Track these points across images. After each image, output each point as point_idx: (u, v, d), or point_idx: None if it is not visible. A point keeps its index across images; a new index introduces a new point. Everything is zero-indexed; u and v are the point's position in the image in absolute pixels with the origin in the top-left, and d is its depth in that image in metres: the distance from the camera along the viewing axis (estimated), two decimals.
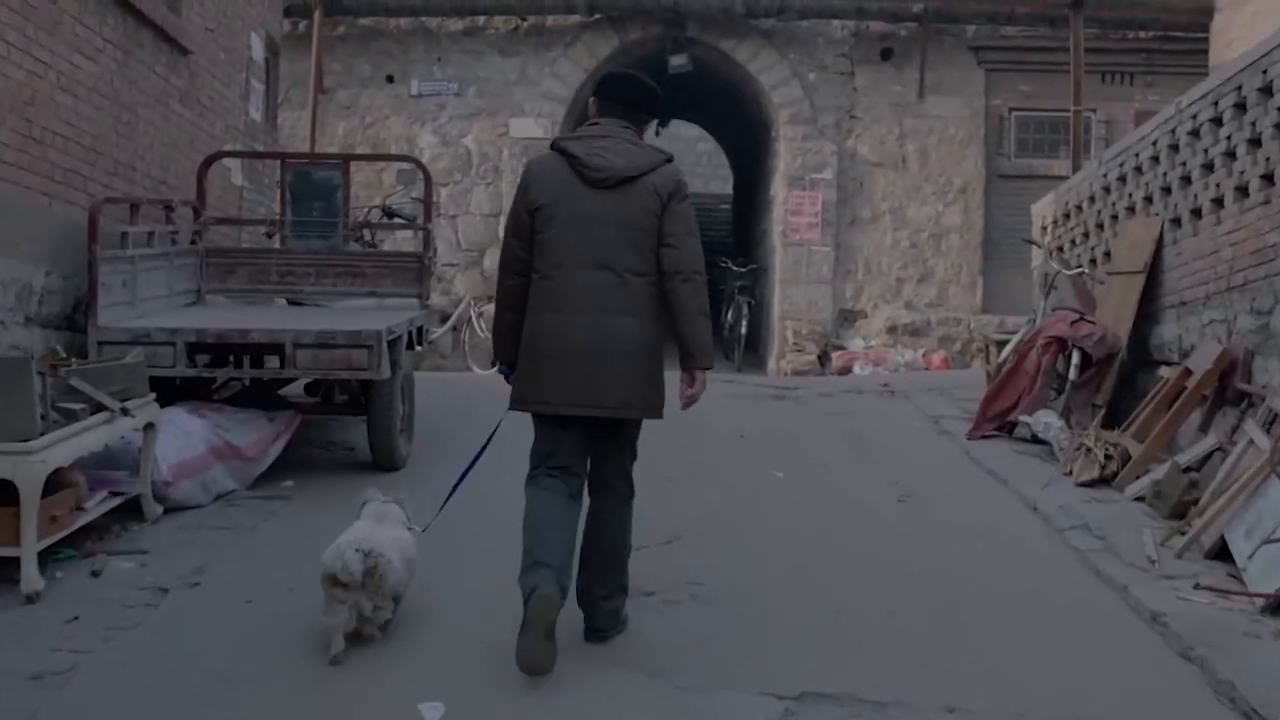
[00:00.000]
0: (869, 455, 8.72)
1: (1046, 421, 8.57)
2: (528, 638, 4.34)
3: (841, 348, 15.30)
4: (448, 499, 5.13)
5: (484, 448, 5.12)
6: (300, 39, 15.92)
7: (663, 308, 4.68)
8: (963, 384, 12.44)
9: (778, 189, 16.19)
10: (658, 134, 25.15)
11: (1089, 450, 7.84)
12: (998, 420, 9.19)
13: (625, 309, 4.62)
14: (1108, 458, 7.70)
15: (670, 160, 4.78)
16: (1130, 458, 7.63)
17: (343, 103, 16.29)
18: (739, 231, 25.40)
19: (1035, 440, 8.84)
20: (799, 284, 15.74)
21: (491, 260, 15.93)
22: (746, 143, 20.40)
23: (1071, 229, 10.83)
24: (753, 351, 17.32)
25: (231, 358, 7.27)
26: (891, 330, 15.51)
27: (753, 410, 10.67)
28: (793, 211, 15.75)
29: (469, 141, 16.15)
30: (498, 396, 4.98)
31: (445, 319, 15.80)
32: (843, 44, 15.93)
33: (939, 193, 15.83)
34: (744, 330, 16.70)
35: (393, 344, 7.14)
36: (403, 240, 13.29)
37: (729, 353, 17.80)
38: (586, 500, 4.81)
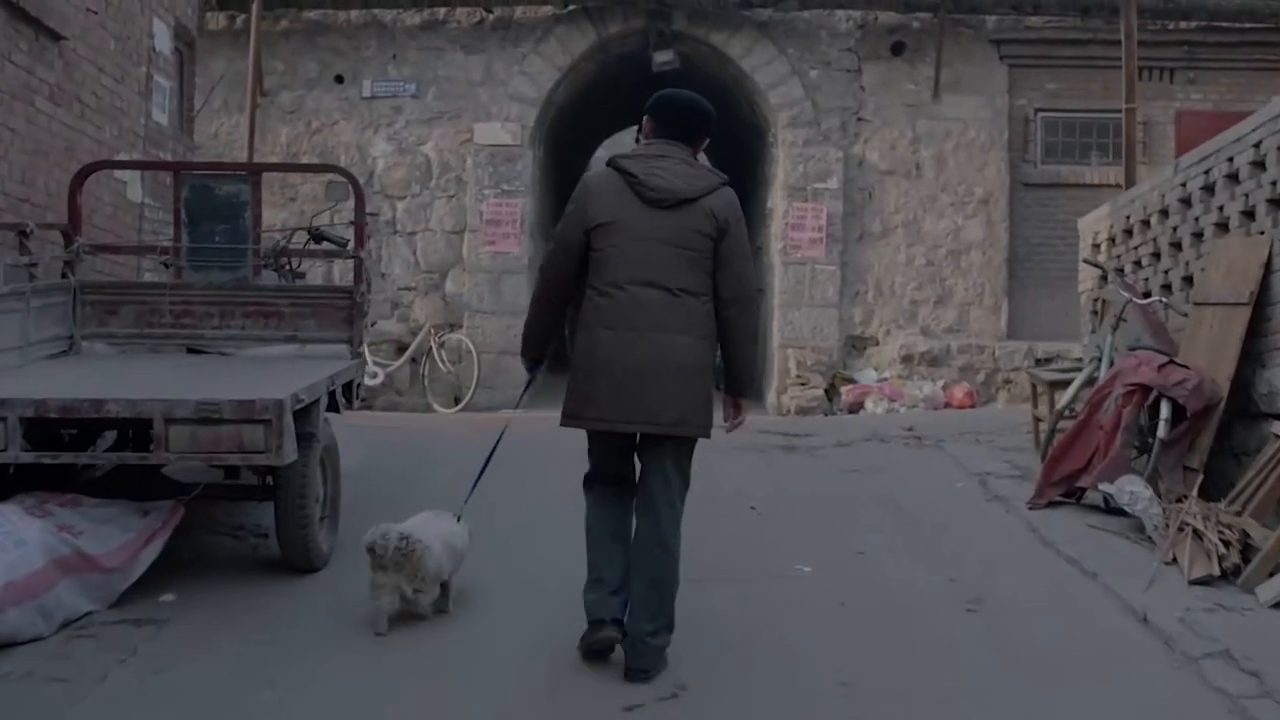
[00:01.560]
0: (913, 534, 7.12)
1: (1133, 491, 6.97)
2: (584, 647, 4.87)
3: (851, 380, 13.71)
4: (474, 486, 5.54)
5: (491, 453, 5.50)
6: (238, 34, 14.34)
7: (713, 327, 4.84)
8: (997, 426, 10.90)
9: (776, 200, 14.61)
10: (638, 141, 23.68)
11: (1196, 533, 6.26)
12: (1065, 484, 7.61)
13: (680, 327, 4.75)
14: (1224, 542, 6.12)
15: (727, 183, 4.90)
16: (1250, 542, 6.08)
17: (286, 106, 14.66)
18: None
19: (1110, 508, 7.27)
20: (801, 307, 14.15)
21: (455, 284, 14.34)
22: (738, 149, 18.78)
23: (1135, 248, 9.26)
24: None
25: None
26: (906, 360, 13.93)
27: (760, 466, 9.08)
28: (793, 226, 14.18)
29: (428, 149, 14.53)
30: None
31: (402, 349, 14.18)
32: (848, 37, 14.37)
33: (958, 204, 14.27)
34: None
35: (304, 412, 5.51)
36: (341, 271, 11.62)
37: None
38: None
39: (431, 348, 13.95)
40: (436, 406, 13.86)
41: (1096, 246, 10.22)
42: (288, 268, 7.90)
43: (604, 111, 18.91)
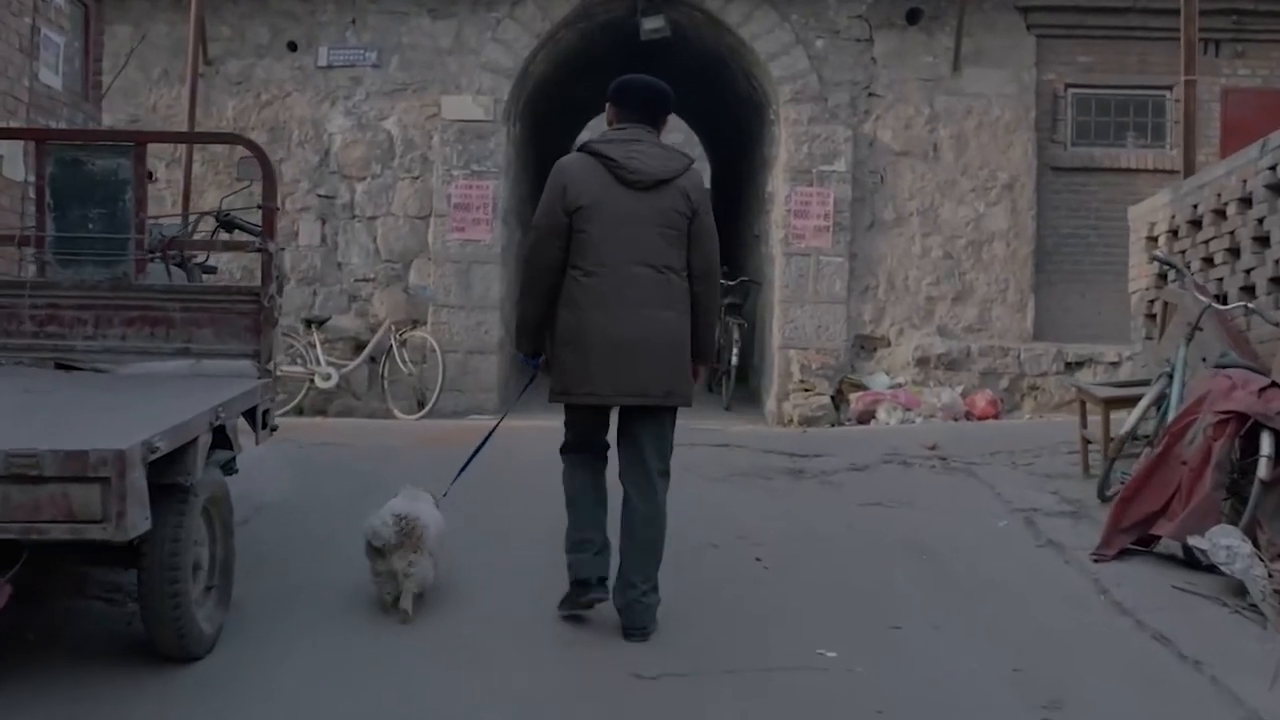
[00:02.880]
0: (958, 598, 5.83)
1: (1230, 546, 5.67)
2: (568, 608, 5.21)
3: (860, 386, 12.41)
4: (458, 475, 5.71)
5: (480, 445, 5.80)
6: None
7: (689, 302, 5.24)
8: (1032, 444, 9.64)
9: (777, 184, 13.29)
10: None
11: None
12: (1137, 530, 6.34)
13: (665, 303, 5.15)
14: None
15: (693, 163, 5.36)
16: None
17: (233, 76, 13.30)
18: (719, 234, 22.49)
19: (1192, 560, 6.01)
20: (804, 303, 12.84)
21: (419, 274, 13.01)
22: (732, 127, 17.48)
23: (1206, 243, 7.98)
24: (743, 384, 14.41)
25: None
26: (922, 363, 12.62)
27: (765, 499, 7.78)
28: (797, 212, 12.86)
29: (391, 125, 13.18)
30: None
31: (360, 347, 12.83)
32: (859, 3, 13.05)
33: (979, 189, 12.96)
34: (734, 360, 13.78)
35: (176, 456, 4.19)
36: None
37: (713, 384, 14.91)
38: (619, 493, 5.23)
39: (392, 346, 12.62)
40: (397, 412, 12.54)
41: (1153, 239, 8.93)
42: (190, 262, 6.55)
43: (588, 85, 17.47)
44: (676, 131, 32.61)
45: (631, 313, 5.09)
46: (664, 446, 5.28)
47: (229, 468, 5.22)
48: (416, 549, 5.14)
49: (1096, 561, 6.24)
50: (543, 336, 5.32)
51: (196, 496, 4.47)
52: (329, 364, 12.58)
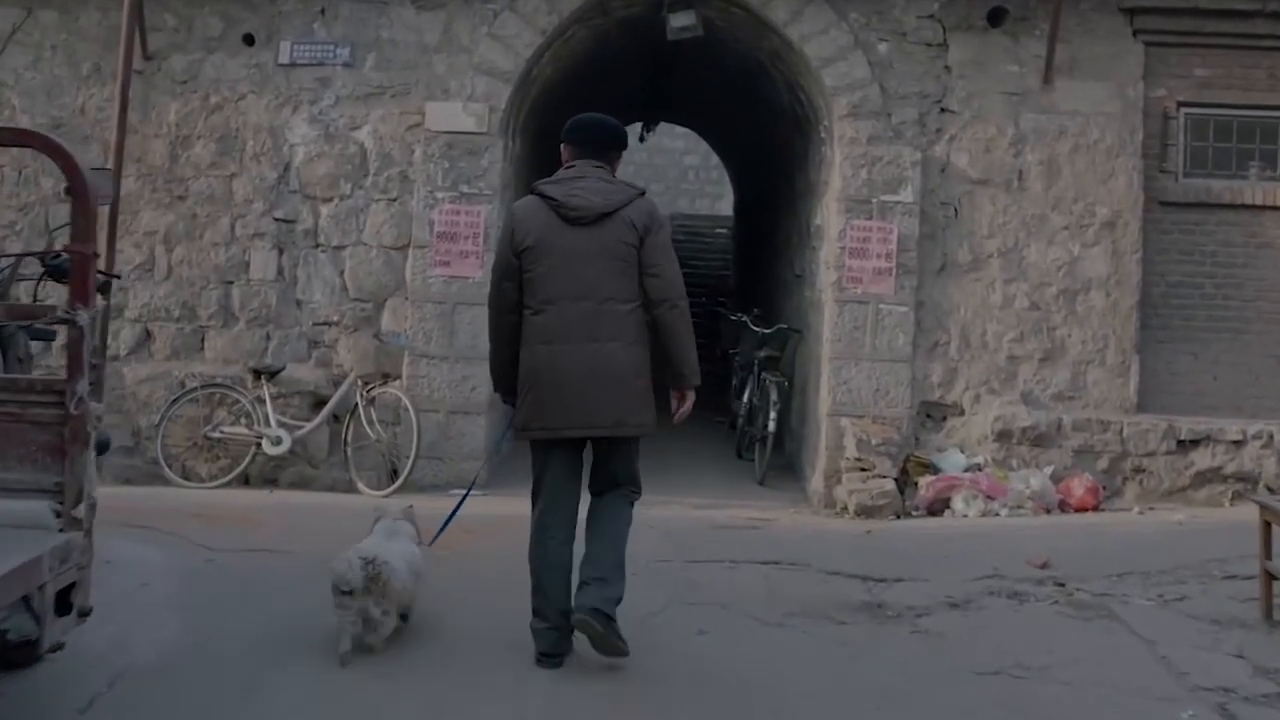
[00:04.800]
0: None
1: None
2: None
3: (929, 466, 10.28)
4: (447, 521, 6.06)
5: (464, 496, 6.30)
6: None
7: (645, 332, 5.53)
8: (1167, 557, 7.82)
9: (828, 216, 11.20)
10: (642, 139, 20.61)
11: None
12: None
13: (611, 335, 5.43)
14: None
15: (644, 194, 5.66)
16: None
17: (177, 74, 11.26)
18: (746, 270, 20.43)
19: None
20: (860, 361, 10.73)
21: (395, 317, 10.96)
22: (767, 147, 15.42)
23: None
24: (779, 451, 12.26)
25: None
26: (1003, 437, 10.51)
27: (837, 663, 5.68)
28: (852, 251, 10.77)
29: (364, 135, 11.12)
30: None
31: (320, 404, 10.74)
32: (931, 1, 10.94)
33: (1073, 227, 10.88)
34: (772, 427, 11.65)
35: None
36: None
37: (742, 450, 12.85)
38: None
39: (358, 404, 10.51)
40: (362, 485, 10.45)
41: None
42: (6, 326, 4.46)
43: (604, 95, 15.48)
44: (690, 155, 30.78)
45: (577, 347, 5.40)
46: (621, 478, 5.62)
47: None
48: (384, 595, 5.35)
49: None
50: (510, 377, 5.63)
51: None
52: (281, 425, 10.51)
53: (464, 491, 6.41)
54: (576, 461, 5.57)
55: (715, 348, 17.55)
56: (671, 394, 5.63)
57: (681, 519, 9.17)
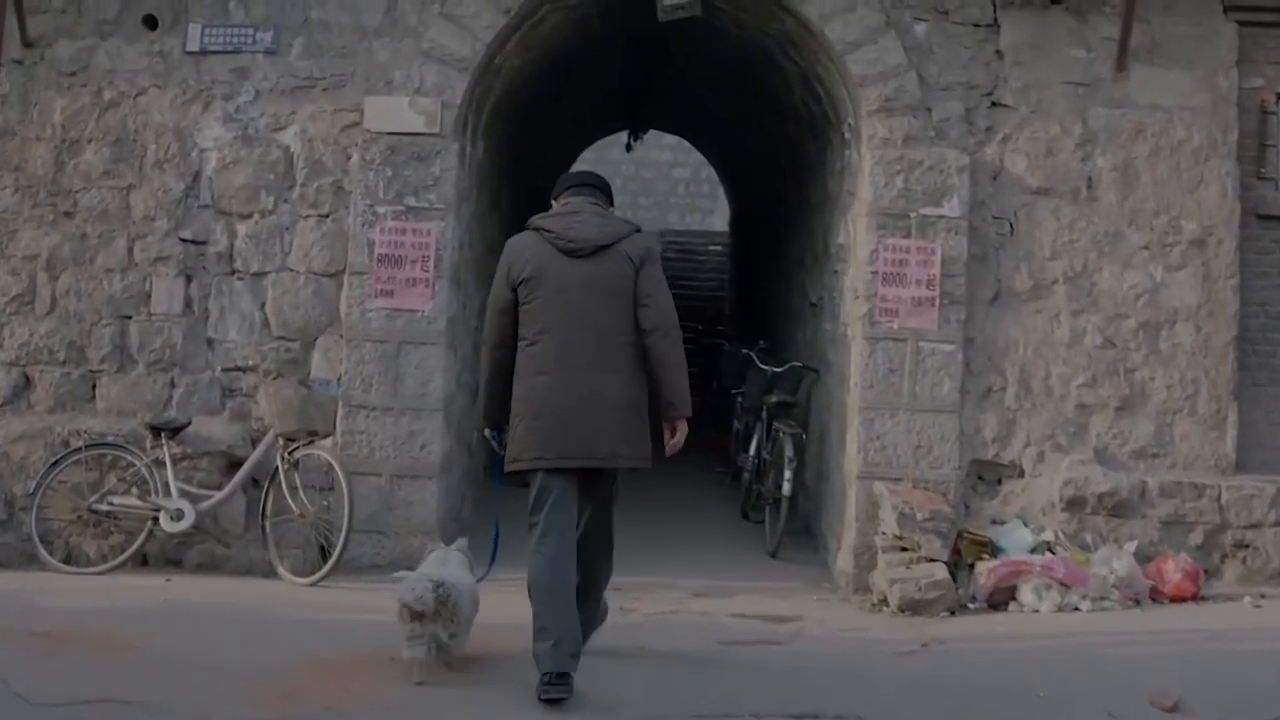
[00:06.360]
0: None
1: None
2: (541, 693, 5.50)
3: (986, 544, 8.35)
4: (494, 555, 6.58)
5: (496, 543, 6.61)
6: None
7: (641, 363, 5.74)
8: None
9: (855, 233, 9.32)
10: (629, 148, 18.88)
11: None
12: None
13: (608, 366, 5.64)
14: None
15: (639, 230, 5.97)
16: None
17: (63, 64, 9.38)
18: (745, 292, 18.50)
19: None
20: (897, 412, 8.85)
21: (327, 360, 9.05)
22: (772, 154, 13.54)
23: None
24: (792, 513, 10.28)
25: None
26: (1074, 505, 8.63)
27: None
28: (886, 276, 8.89)
29: (290, 138, 9.24)
30: None
31: (234, 466, 8.81)
32: None
33: (1155, 246, 9.03)
34: (787, 489, 9.73)
35: None
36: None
37: (748, 509, 11.02)
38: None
39: (279, 469, 8.58)
40: (283, 570, 8.53)
41: None
42: None
43: (584, 94, 13.63)
44: (680, 167, 29.02)
45: (574, 377, 5.61)
46: (608, 507, 5.97)
47: None
48: (453, 618, 5.71)
49: None
50: (502, 410, 5.87)
51: None
52: (184, 494, 8.58)
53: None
54: (572, 490, 5.72)
55: (713, 381, 15.68)
56: (664, 426, 5.86)
57: (679, 628, 7.28)
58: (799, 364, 10.85)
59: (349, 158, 9.15)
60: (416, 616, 5.56)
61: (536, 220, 5.90)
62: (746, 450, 11.27)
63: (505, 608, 6.27)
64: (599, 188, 6.08)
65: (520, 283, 5.69)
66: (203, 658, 6.09)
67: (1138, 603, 8.02)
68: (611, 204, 6.13)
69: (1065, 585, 7.92)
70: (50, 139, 9.32)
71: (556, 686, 5.43)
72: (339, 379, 8.98)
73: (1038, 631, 7.37)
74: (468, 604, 5.80)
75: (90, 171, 9.29)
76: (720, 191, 24.37)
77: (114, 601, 7.47)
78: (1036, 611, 7.82)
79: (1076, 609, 7.83)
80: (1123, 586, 8.01)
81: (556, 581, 5.59)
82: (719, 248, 24.22)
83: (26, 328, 9.23)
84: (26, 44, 9.33)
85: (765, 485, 10.46)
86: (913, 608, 7.84)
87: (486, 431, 6.10)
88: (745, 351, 11.87)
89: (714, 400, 14.92)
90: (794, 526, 10.27)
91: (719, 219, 26.37)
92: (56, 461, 8.73)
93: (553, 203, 6.08)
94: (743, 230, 20.04)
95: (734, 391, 12.58)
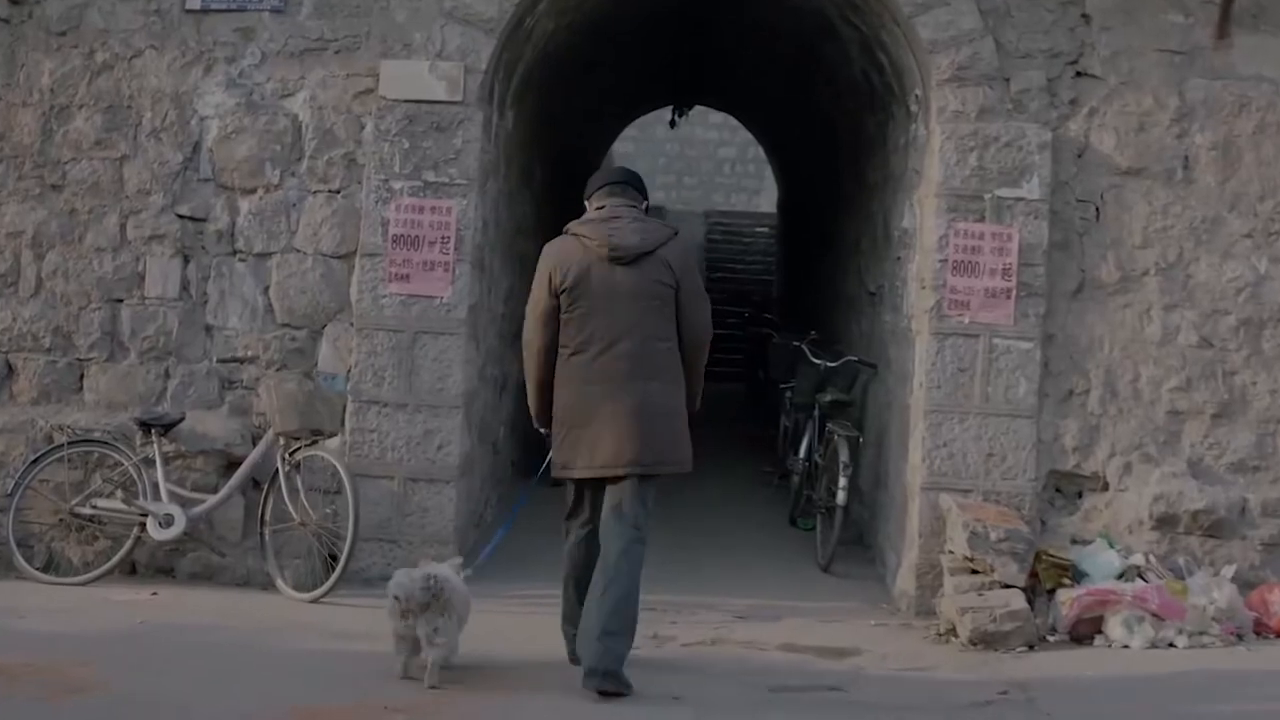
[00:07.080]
0: None
1: None
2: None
3: (1067, 567, 7.46)
4: (490, 550, 6.78)
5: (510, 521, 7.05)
6: None
7: (680, 368, 5.94)
8: None
9: (922, 216, 8.46)
10: (673, 124, 18.15)
11: None
12: None
13: (651, 374, 5.79)
14: None
15: (677, 233, 6.12)
16: None
17: (53, 23, 8.60)
18: (793, 277, 17.57)
19: None
20: (967, 415, 7.99)
21: (336, 350, 8.29)
22: (826, 130, 12.65)
23: None
24: (846, 523, 9.37)
25: None
26: (1165, 523, 7.76)
27: None
28: (956, 265, 8.03)
29: (298, 105, 8.45)
30: None
31: (232, 467, 8.05)
32: None
33: (1259, 234, 8.14)
34: (841, 498, 8.88)
35: None
36: None
37: (797, 515, 10.22)
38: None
39: (279, 471, 7.80)
40: (283, 584, 7.77)
41: None
42: None
43: (626, 65, 12.77)
44: (725, 146, 28.25)
45: (619, 385, 5.71)
46: (643, 510, 5.84)
47: None
48: (444, 612, 5.56)
49: None
50: (548, 410, 5.99)
51: None
52: (175, 497, 7.83)
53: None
54: (610, 495, 5.85)
55: (758, 372, 14.85)
56: None
57: (721, 666, 6.46)
58: (855, 358, 9.96)
59: (362, 127, 8.35)
60: (404, 611, 5.52)
61: (575, 227, 5.97)
62: (796, 451, 10.42)
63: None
64: (633, 185, 6.16)
65: (563, 290, 5.79)
66: (170, 700, 5.30)
67: (1240, 638, 7.15)
68: (646, 198, 6.18)
69: (1159, 617, 7.04)
70: (38, 105, 8.55)
71: (608, 679, 5.53)
72: (348, 372, 8.20)
73: (1134, 673, 6.52)
74: (460, 603, 5.74)
75: (80, 141, 8.52)
76: (767, 171, 23.54)
77: (87, 623, 6.71)
78: (1126, 647, 6.95)
79: (1172, 645, 6.97)
80: (1223, 619, 7.14)
81: (595, 581, 5.72)
82: (766, 229, 23.40)
83: (9, 311, 8.48)
84: (13, 2, 8.58)
85: (817, 492, 9.62)
86: (986, 641, 6.96)
87: (542, 430, 6.18)
88: (796, 343, 11.01)
89: (759, 391, 14.13)
90: (847, 536, 9.40)
91: (765, 200, 25.60)
92: (37, 459, 8.00)
93: (585, 203, 6.13)
94: (792, 212, 19.13)
95: (783, 386, 11.73)
